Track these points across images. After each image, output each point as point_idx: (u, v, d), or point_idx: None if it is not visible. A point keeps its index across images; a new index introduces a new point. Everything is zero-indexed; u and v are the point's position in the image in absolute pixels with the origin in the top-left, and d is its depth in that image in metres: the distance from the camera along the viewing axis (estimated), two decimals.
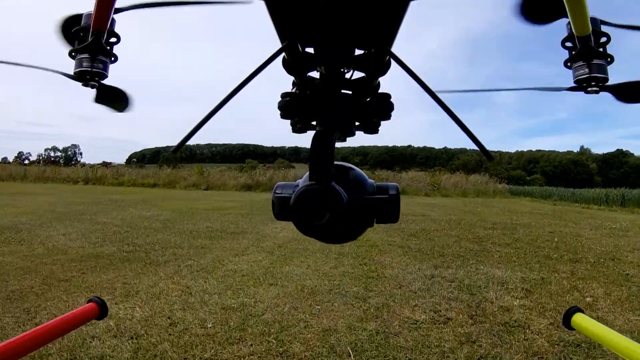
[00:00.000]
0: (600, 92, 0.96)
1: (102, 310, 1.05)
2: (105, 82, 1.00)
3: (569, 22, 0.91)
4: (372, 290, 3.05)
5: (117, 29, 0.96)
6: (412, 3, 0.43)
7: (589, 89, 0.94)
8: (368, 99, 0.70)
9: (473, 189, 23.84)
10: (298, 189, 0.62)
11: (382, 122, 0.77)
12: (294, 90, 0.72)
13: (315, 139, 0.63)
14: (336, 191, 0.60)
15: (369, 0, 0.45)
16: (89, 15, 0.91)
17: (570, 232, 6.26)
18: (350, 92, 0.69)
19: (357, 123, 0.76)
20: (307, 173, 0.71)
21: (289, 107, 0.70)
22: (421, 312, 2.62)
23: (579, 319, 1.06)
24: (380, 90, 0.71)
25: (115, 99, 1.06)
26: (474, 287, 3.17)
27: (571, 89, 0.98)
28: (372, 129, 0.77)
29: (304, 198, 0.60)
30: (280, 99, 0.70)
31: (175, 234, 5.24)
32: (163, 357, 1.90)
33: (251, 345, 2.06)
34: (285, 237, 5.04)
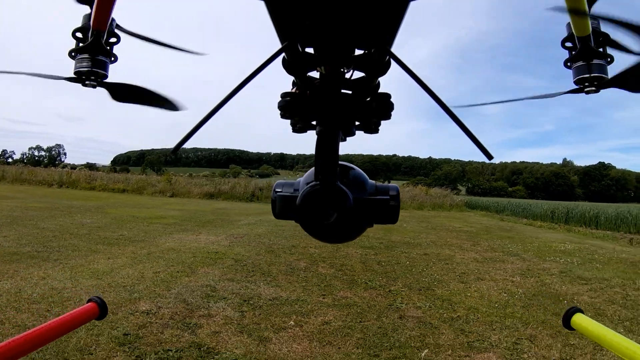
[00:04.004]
0: (601, 90, 0.97)
1: (102, 310, 1.06)
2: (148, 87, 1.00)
3: (569, 22, 0.93)
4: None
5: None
6: (412, 3, 0.44)
7: (587, 89, 0.96)
8: (368, 99, 0.71)
9: (430, 203, 25.78)
10: (304, 188, 0.64)
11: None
12: (294, 90, 0.72)
13: (320, 139, 0.65)
14: (343, 191, 0.62)
15: (369, 0, 0.45)
16: (89, 15, 0.93)
17: (436, 255, 7.58)
18: (350, 92, 0.69)
19: (357, 123, 0.76)
20: (308, 172, 0.77)
21: (289, 106, 0.70)
22: None
23: (579, 319, 1.04)
24: (380, 90, 0.70)
25: (147, 98, 1.03)
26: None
27: (571, 91, 1.00)
28: (372, 128, 0.77)
29: (312, 198, 0.62)
30: (280, 98, 0.70)
31: (88, 240, 6.95)
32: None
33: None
34: (152, 252, 6.80)
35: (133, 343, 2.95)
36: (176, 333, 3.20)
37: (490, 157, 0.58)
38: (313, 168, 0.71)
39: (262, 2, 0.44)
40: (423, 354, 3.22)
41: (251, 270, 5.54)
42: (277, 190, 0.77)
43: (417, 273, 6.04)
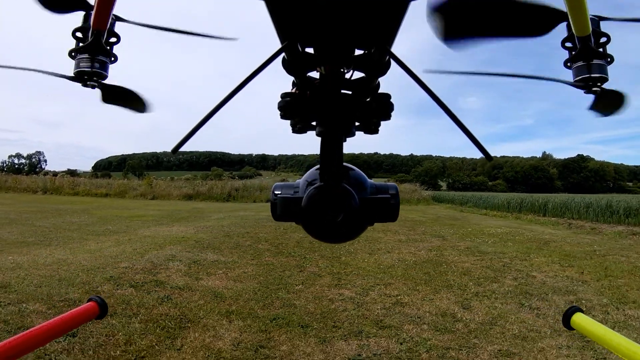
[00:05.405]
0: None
1: (102, 309, 1.08)
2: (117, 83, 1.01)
3: (569, 23, 0.94)
4: None
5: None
6: (412, 3, 0.45)
7: (594, 88, 0.99)
8: (368, 99, 0.71)
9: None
10: (310, 190, 0.65)
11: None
12: (293, 90, 0.72)
13: (324, 140, 0.67)
14: (349, 192, 0.64)
15: (369, 0, 0.45)
16: (88, 15, 0.95)
17: (365, 237, 9.54)
18: (350, 92, 0.70)
19: (357, 123, 0.76)
20: (307, 173, 0.78)
21: (289, 107, 0.70)
22: None
23: (578, 319, 1.08)
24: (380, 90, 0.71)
25: (128, 100, 1.04)
26: None
27: (575, 84, 1.02)
28: (372, 129, 0.78)
29: (318, 199, 0.63)
30: (280, 99, 0.71)
31: (79, 232, 8.72)
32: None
33: None
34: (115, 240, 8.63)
35: (116, 280, 4.82)
36: (143, 276, 5.07)
37: (490, 158, 0.59)
38: (313, 169, 0.78)
39: (262, 2, 0.45)
40: (298, 287, 5.12)
41: (206, 246, 7.42)
42: (276, 192, 0.78)
43: (337, 248, 7.45)
